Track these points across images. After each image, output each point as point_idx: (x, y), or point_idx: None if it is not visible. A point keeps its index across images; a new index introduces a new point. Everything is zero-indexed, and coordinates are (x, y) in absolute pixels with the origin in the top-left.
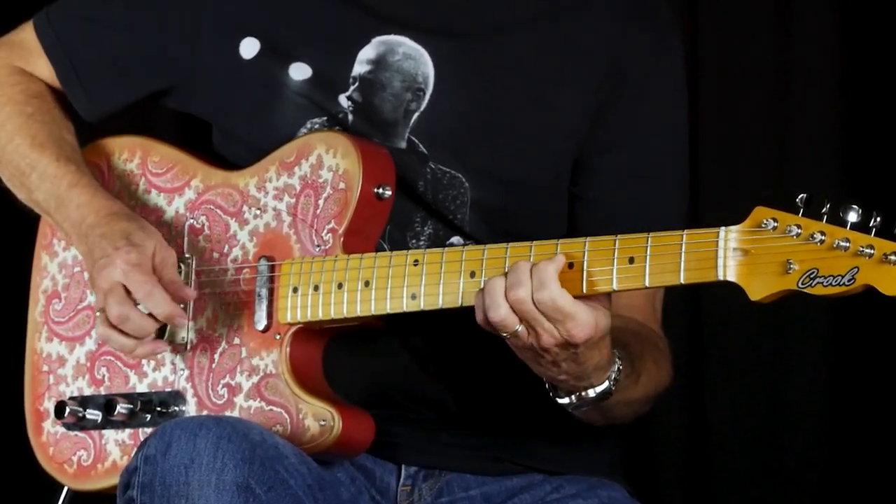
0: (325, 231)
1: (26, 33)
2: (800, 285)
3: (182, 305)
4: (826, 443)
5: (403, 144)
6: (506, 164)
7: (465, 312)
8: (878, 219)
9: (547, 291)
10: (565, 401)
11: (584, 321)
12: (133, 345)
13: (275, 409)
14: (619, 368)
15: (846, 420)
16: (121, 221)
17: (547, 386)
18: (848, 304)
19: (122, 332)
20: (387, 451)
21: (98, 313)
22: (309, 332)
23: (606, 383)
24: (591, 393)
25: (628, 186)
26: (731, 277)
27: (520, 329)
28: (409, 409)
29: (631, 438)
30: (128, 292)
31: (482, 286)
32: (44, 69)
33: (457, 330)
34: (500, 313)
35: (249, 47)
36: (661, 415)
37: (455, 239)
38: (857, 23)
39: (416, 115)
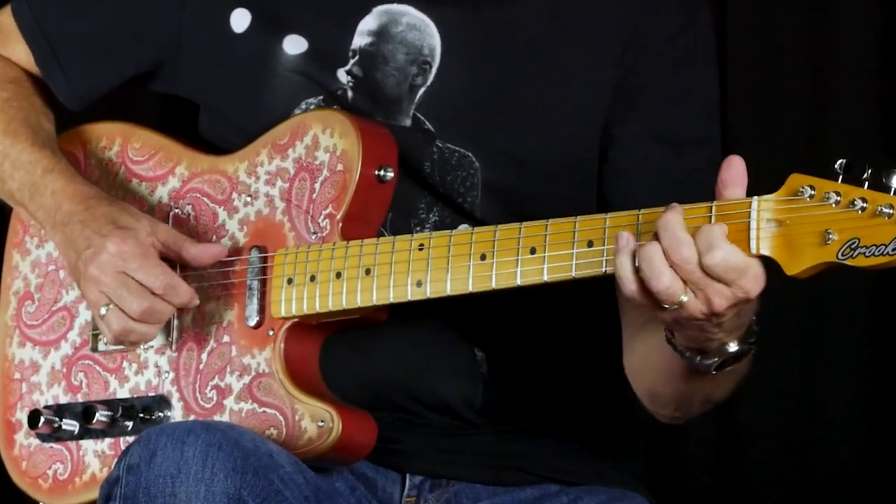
0: (322, 217)
1: (3, 16)
2: (840, 257)
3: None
4: (868, 454)
5: (408, 122)
6: (520, 141)
7: (475, 304)
8: None
9: (720, 252)
10: (709, 361)
11: (757, 273)
12: (156, 332)
13: (268, 410)
14: (755, 317)
15: (891, 428)
16: (101, 206)
17: (683, 351)
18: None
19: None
20: (389, 458)
21: (104, 309)
22: (305, 327)
23: (753, 333)
24: (733, 346)
25: (658, 159)
26: (766, 251)
27: (686, 299)
28: (414, 413)
29: (655, 447)
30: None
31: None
32: (21, 54)
33: (467, 322)
34: (664, 281)
35: (240, 19)
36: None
37: (464, 226)
38: None
39: (421, 91)
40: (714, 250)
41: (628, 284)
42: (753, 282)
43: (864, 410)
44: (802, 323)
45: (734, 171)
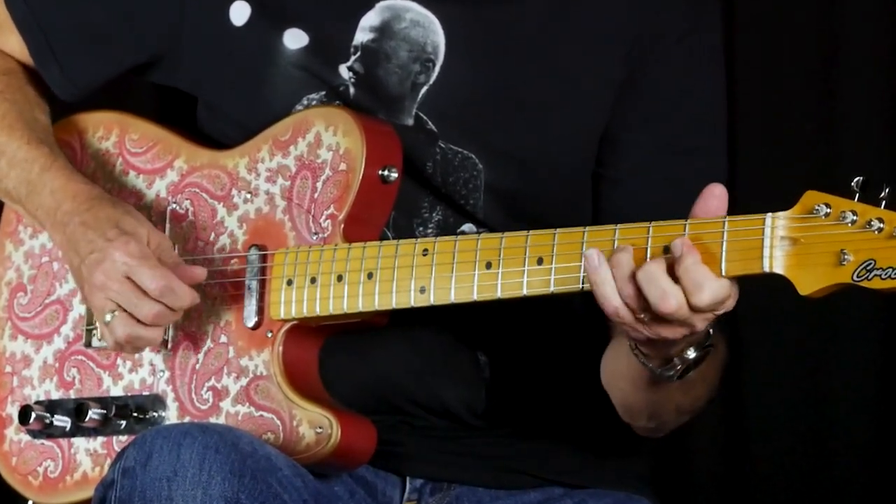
0: (324, 217)
1: None
2: (855, 278)
3: None
4: (879, 456)
5: (411, 121)
6: (524, 142)
7: (478, 307)
8: None
9: (708, 292)
10: (670, 372)
11: (736, 294)
12: (160, 336)
13: (266, 415)
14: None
15: None
16: (104, 208)
17: (645, 362)
18: None
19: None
20: (390, 461)
21: (109, 315)
22: (304, 329)
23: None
24: (691, 353)
25: (661, 164)
26: (779, 269)
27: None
28: (415, 416)
29: (661, 449)
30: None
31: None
32: (15, 45)
33: (470, 326)
34: (673, 303)
35: (240, 12)
36: (695, 422)
37: (467, 226)
38: None
39: (424, 89)
40: (702, 291)
41: (612, 300)
42: (732, 302)
43: (873, 414)
44: (811, 324)
45: (716, 202)
